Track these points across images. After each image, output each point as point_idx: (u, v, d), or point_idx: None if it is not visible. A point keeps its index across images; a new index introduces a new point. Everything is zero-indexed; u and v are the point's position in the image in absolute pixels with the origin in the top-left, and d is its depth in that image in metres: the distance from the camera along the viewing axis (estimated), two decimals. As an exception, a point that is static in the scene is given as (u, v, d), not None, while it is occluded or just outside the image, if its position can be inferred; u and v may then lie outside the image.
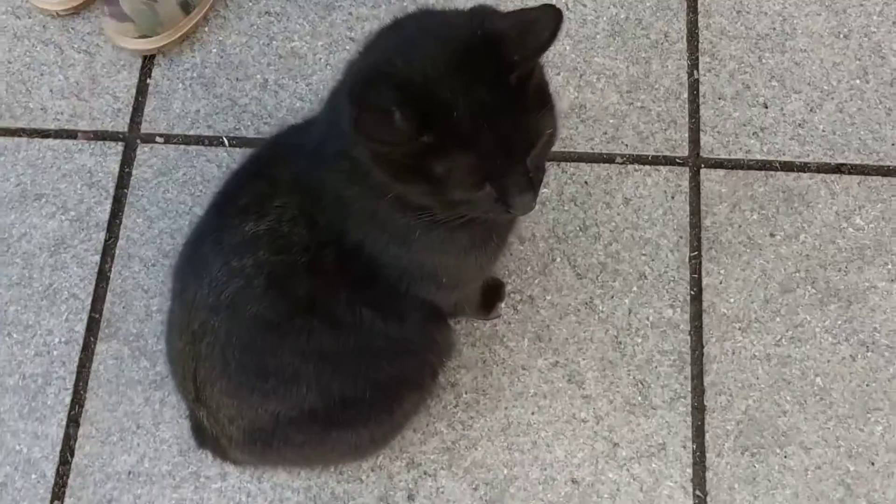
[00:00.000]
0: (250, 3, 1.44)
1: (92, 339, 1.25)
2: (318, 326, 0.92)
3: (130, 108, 1.38)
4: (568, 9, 1.41)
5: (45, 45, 1.42)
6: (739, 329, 1.22)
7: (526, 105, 0.78)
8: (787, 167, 1.31)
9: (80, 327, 1.26)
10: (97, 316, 1.26)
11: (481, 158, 0.76)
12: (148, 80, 1.40)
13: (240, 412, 0.97)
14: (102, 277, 1.29)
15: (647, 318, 1.24)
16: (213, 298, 0.92)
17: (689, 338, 1.22)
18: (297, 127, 1.00)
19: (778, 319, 1.23)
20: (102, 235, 1.31)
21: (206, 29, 1.42)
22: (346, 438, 1.02)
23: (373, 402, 0.99)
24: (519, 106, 0.77)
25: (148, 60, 1.41)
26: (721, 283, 1.25)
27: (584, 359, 1.22)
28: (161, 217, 1.32)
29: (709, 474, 1.16)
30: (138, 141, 1.37)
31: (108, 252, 1.30)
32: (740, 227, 1.28)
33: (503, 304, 1.24)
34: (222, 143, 1.36)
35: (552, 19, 0.76)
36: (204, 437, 1.08)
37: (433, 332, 1.04)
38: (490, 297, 1.22)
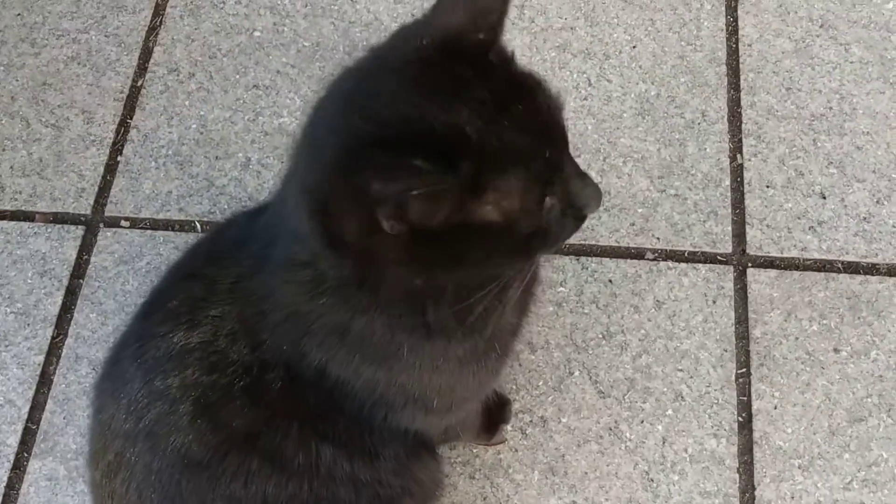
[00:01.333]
0: (237, 76, 1.30)
1: (25, 454, 1.07)
2: (260, 468, 0.72)
3: (96, 188, 1.23)
4: (591, 84, 1.24)
5: (10, 119, 1.29)
6: (799, 467, 1.00)
7: (525, 82, 0.62)
8: (852, 269, 1.11)
9: (13, 440, 1.07)
10: (34, 427, 1.08)
11: (527, 162, 0.60)
12: (118, 158, 1.25)
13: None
14: (45, 381, 1.11)
15: (686, 450, 1.01)
16: (131, 425, 0.73)
17: (737, 476, 1.00)
18: (247, 214, 0.83)
19: (847, 456, 1.00)
20: (50, 332, 1.14)
21: (188, 103, 1.28)
22: None
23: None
24: (519, 85, 0.62)
25: (121, 136, 1.26)
26: (776, 408, 1.03)
27: (607, 499, 1.00)
28: (117, 312, 1.14)
29: None
30: (101, 224, 1.21)
31: (53, 351, 1.13)
32: (797, 339, 1.07)
33: (509, 427, 1.03)
34: (194, 229, 1.19)
35: None
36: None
37: (415, 469, 0.83)
38: (493, 417, 1.02)
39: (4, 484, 1.05)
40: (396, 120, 0.58)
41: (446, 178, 0.55)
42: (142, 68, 1.32)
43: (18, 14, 1.38)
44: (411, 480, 0.83)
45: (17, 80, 1.32)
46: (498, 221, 0.60)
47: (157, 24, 1.36)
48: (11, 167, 1.25)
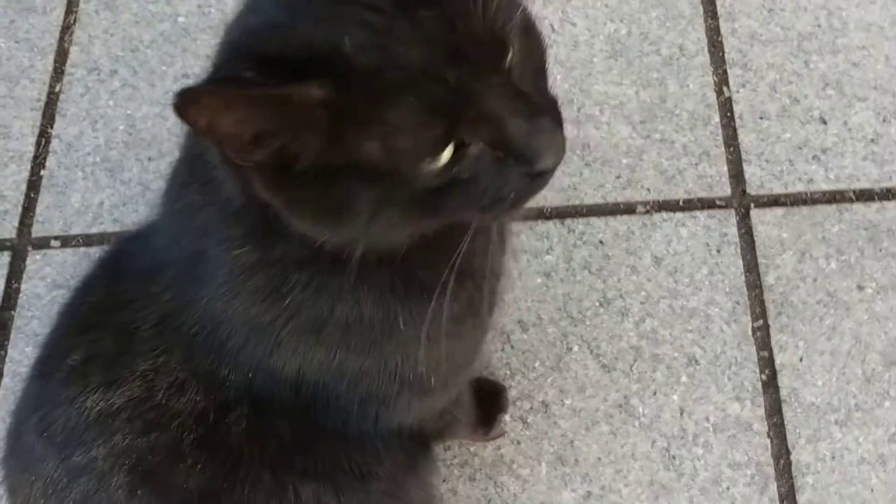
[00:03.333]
0: (164, 67, 1.17)
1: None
2: None
3: (20, 208, 1.11)
4: (554, 30, 1.13)
5: (-83, 143, 1.16)
6: (836, 423, 0.90)
7: None
8: (866, 196, 1.00)
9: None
10: (-29, 483, 0.95)
11: (420, 87, 0.46)
12: (42, 172, 1.13)
13: None
14: (-18, 428, 0.98)
15: (707, 420, 0.90)
16: None
17: (768, 442, 0.89)
18: (137, 238, 0.71)
19: (887, 404, 0.90)
20: (-20, 373, 1.01)
21: (112, 103, 1.15)
22: None
23: None
24: None
25: (42, 148, 1.14)
26: (801, 360, 0.92)
27: (626, 485, 0.89)
28: (56, 342, 1.01)
29: None
30: (29, 248, 1.08)
31: (-13, 395, 1.00)
32: (815, 281, 0.96)
33: (507, 417, 0.92)
34: (133, 240, 1.06)
35: None
36: None
37: (410, 488, 0.72)
38: (488, 408, 0.91)
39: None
40: (262, 38, 0.48)
41: (280, 88, 0.44)
42: (58, 72, 1.20)
43: (-82, 29, 1.25)
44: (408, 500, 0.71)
45: (-77, 101, 1.19)
46: (386, 163, 0.48)
47: (71, 22, 1.23)
48: (-77, 196, 1.12)
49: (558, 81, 1.09)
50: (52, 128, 1.16)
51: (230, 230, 0.58)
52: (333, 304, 0.58)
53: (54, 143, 1.14)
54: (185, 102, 0.43)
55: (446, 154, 0.49)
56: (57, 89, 1.19)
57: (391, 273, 0.58)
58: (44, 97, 1.18)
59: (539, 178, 0.52)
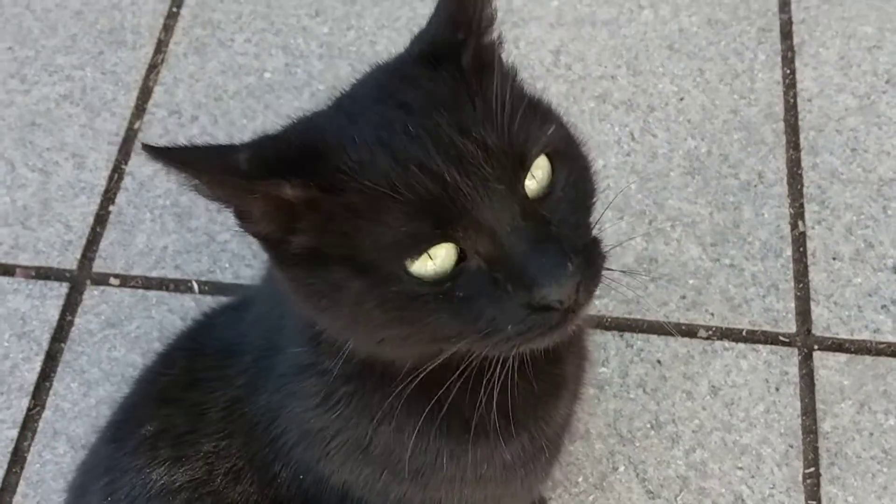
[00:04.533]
0: (245, 120, 1.18)
1: (-11, 546, 0.93)
2: None
3: (84, 241, 1.12)
4: (634, 139, 1.13)
5: (-6, 161, 1.17)
6: (882, 589, 0.86)
7: (483, 93, 0.48)
8: (932, 354, 0.98)
9: (-24, 531, 0.94)
10: (1, 514, 0.95)
11: (411, 186, 0.46)
12: (110, 207, 1.14)
13: None
14: (17, 459, 0.99)
15: (749, 566, 0.88)
16: None
17: None
18: (229, 311, 0.71)
19: (936, 576, 0.87)
20: (26, 402, 1.01)
21: (189, 148, 1.16)
22: None
23: None
24: (465, 94, 0.48)
25: (114, 183, 1.15)
26: (852, 516, 0.90)
27: None
28: (101, 382, 1.02)
29: None
30: (88, 282, 1.09)
31: (28, 425, 1.00)
32: (872, 435, 0.94)
33: (545, 531, 0.90)
34: (191, 289, 1.07)
35: None
36: None
37: None
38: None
39: (-37, 582, 0.91)
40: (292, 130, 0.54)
41: (250, 182, 0.48)
42: (140, 109, 1.21)
43: (9, 47, 1.27)
44: None
45: (3, 120, 1.21)
46: (372, 255, 0.47)
47: (159, 61, 1.25)
48: (-8, 215, 1.14)
49: (633, 191, 1.10)
50: (126, 164, 1.17)
51: (297, 328, 0.58)
52: (378, 426, 0.57)
53: (127, 180, 1.16)
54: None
55: (440, 262, 0.47)
56: (136, 126, 1.20)
57: (435, 405, 0.55)
58: (122, 132, 1.20)
59: (544, 314, 0.48)
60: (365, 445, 0.58)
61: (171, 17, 1.28)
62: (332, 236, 0.48)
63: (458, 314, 0.48)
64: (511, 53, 1.15)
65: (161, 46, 1.26)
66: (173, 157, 0.46)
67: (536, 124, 0.50)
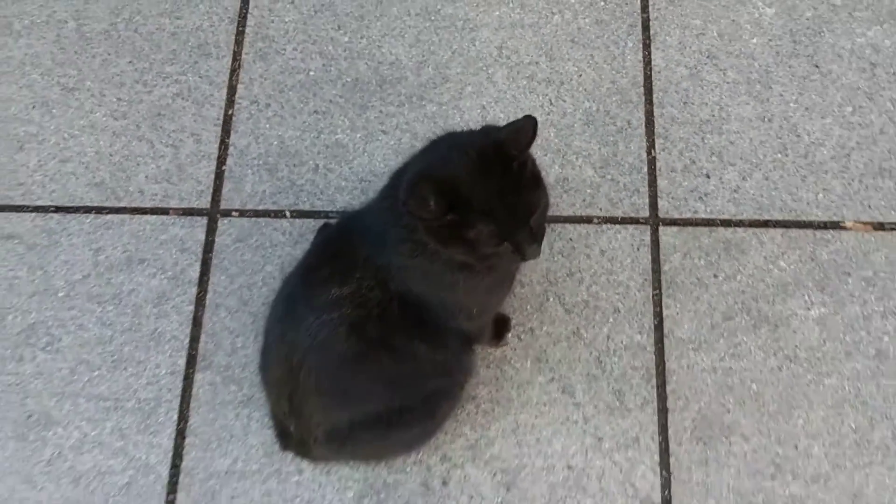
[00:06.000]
0: (301, 104, 1.82)
1: (191, 370, 1.61)
2: (385, 358, 1.27)
3: (211, 190, 1.75)
4: (552, 104, 1.80)
5: (139, 141, 1.80)
6: (692, 349, 1.59)
7: (525, 185, 1.14)
8: (726, 223, 1.69)
9: (181, 362, 1.61)
10: (194, 353, 1.62)
11: (498, 224, 1.12)
12: (224, 167, 1.78)
13: (325, 419, 1.32)
14: (196, 323, 1.64)
15: (622, 342, 1.60)
16: (309, 342, 1.26)
17: (654, 357, 1.59)
18: (354, 215, 1.36)
19: (721, 341, 1.60)
20: (194, 290, 1.67)
21: (268, 126, 1.80)
22: (402, 437, 1.38)
23: (421, 409, 1.35)
24: (520, 186, 1.14)
25: (223, 152, 1.79)
26: (678, 314, 1.62)
27: (573, 374, 1.58)
28: (240, 274, 1.68)
29: (672, 459, 1.51)
30: (218, 215, 1.73)
31: (199, 303, 1.66)
32: (691, 270, 1.65)
33: (510, 334, 1.60)
34: (285, 216, 1.72)
35: (532, 125, 1.13)
36: (288, 441, 1.42)
37: (463, 356, 1.40)
38: (500, 328, 1.58)
39: (180, 389, 1.59)
40: (447, 176, 1.12)
41: (436, 214, 1.10)
42: (230, 101, 1.83)
43: (130, 61, 1.88)
44: (462, 362, 1.40)
45: (139, 112, 1.82)
46: (473, 241, 1.13)
47: (237, 66, 1.86)
48: (146, 176, 1.77)
49: (552, 137, 1.77)
50: (228, 139, 1.80)
51: (397, 222, 1.23)
52: (433, 266, 1.19)
53: (231, 149, 1.79)
54: (409, 198, 1.11)
55: (503, 248, 1.15)
56: (230, 113, 1.83)
57: (462, 263, 1.21)
58: (221, 118, 1.82)
59: (524, 260, 1.18)
60: (428, 274, 1.22)
61: (240, 34, 1.89)
62: (459, 229, 1.13)
63: (502, 257, 1.18)
64: (469, 50, 1.81)
65: (236, 56, 1.87)
66: None
67: (541, 195, 1.18)
